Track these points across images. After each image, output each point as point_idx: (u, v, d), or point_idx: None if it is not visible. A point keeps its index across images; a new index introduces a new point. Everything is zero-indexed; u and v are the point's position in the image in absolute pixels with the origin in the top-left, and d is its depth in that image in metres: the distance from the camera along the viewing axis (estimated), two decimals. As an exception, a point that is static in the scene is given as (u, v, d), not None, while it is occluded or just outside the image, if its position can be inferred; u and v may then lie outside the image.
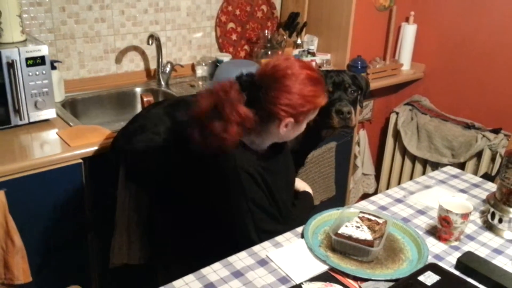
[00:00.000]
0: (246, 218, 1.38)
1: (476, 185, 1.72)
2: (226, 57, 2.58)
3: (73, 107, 2.18)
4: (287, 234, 1.39)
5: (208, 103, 1.36)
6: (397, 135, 2.98)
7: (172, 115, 1.60)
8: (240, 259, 1.27)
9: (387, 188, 2.82)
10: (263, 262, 1.26)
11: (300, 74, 1.33)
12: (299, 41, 2.75)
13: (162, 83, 2.43)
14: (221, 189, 1.39)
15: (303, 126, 1.43)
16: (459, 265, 1.25)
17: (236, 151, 1.36)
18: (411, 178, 2.95)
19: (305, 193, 1.66)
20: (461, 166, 2.65)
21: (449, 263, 1.28)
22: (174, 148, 1.52)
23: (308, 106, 1.35)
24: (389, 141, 3.04)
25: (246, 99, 1.34)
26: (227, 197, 1.38)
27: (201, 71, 2.49)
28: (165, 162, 1.53)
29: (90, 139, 1.76)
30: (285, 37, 2.72)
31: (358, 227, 1.32)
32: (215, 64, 2.55)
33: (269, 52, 2.66)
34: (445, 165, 2.37)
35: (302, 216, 1.47)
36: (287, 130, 1.39)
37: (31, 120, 1.84)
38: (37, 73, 1.79)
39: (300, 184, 1.70)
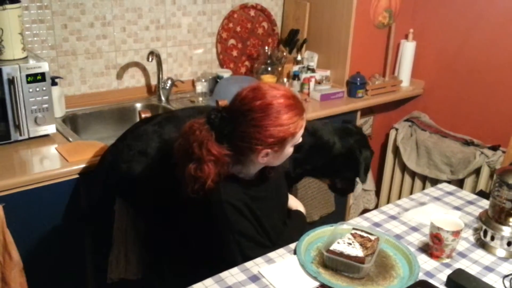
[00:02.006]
0: (232, 249, 1.38)
1: (471, 202, 1.72)
2: (226, 73, 2.61)
3: (74, 123, 2.21)
4: (280, 250, 1.40)
5: (179, 146, 1.35)
6: (396, 151, 2.99)
7: (159, 133, 1.59)
8: (232, 275, 1.28)
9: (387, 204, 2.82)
10: (254, 278, 1.27)
11: (270, 104, 1.27)
12: (299, 57, 2.78)
13: (163, 98, 2.46)
14: (208, 221, 1.39)
15: (288, 151, 1.37)
16: (449, 282, 1.25)
17: (222, 184, 1.34)
18: (411, 194, 2.94)
19: (297, 212, 1.66)
20: (460, 182, 2.65)
21: (439, 280, 1.28)
22: (161, 169, 1.51)
23: (282, 136, 1.30)
24: (389, 157, 3.05)
25: (216, 136, 1.31)
26: (215, 229, 1.39)
27: (201, 87, 2.52)
28: (151, 183, 1.53)
29: (88, 154, 1.78)
30: (285, 53, 2.75)
31: (350, 244, 1.33)
32: (216, 80, 2.58)
33: (269, 68, 2.69)
34: (444, 181, 2.37)
35: (294, 235, 1.46)
36: (268, 159, 1.36)
37: (31, 136, 1.86)
38: (38, 89, 1.82)
39: (293, 202, 1.69)
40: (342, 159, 1.76)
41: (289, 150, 1.37)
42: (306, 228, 1.49)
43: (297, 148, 1.42)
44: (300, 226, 1.59)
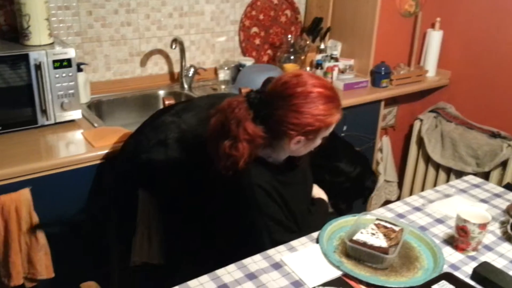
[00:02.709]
0: (261, 233, 1.38)
1: (497, 195, 1.69)
2: (249, 61, 2.60)
3: (98, 109, 2.24)
4: (302, 239, 1.39)
5: (216, 122, 1.35)
6: (420, 143, 2.95)
7: (178, 123, 1.59)
8: (255, 261, 1.29)
9: (410, 196, 2.79)
10: (277, 266, 1.27)
11: (311, 92, 1.29)
12: (322, 46, 2.75)
13: (185, 86, 2.47)
14: (236, 205, 1.40)
15: (317, 141, 1.39)
16: (475, 275, 1.23)
17: (251, 167, 1.35)
18: (434, 186, 2.90)
19: (320, 200, 1.66)
20: (486, 175, 2.60)
21: (465, 273, 1.26)
22: (180, 159, 1.52)
23: (318, 125, 1.32)
24: (413, 148, 3.01)
25: (254, 116, 1.32)
26: (244, 213, 1.39)
27: (223, 75, 2.52)
28: (171, 173, 1.54)
29: (113, 140, 1.80)
30: (308, 42, 2.72)
31: (374, 234, 1.32)
32: (238, 68, 2.57)
33: (292, 57, 2.67)
34: (469, 174, 2.33)
35: (317, 223, 1.46)
36: (299, 147, 1.37)
37: (57, 121, 1.89)
38: (64, 75, 1.84)
39: (315, 191, 1.69)
40: (350, 183, 1.79)
41: (318, 141, 1.39)
42: (328, 217, 1.49)
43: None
44: (323, 214, 1.59)
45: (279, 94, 1.32)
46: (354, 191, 1.73)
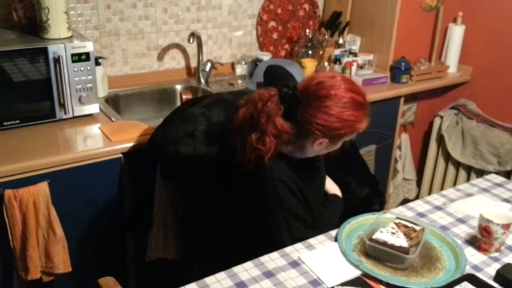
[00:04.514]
0: (281, 228, 1.37)
1: (521, 195, 1.64)
2: (266, 56, 2.57)
3: (116, 103, 2.24)
4: (320, 237, 1.37)
5: (245, 113, 1.34)
6: (440, 140, 2.89)
7: (208, 115, 1.58)
8: (272, 259, 1.27)
9: (429, 195, 2.74)
10: (295, 264, 1.26)
11: (344, 96, 1.29)
12: (341, 41, 2.71)
13: (202, 81, 2.46)
14: (257, 200, 1.39)
15: (338, 145, 1.39)
16: (498, 277, 1.20)
17: (273, 162, 1.34)
18: (454, 184, 2.85)
19: (335, 196, 1.64)
20: (508, 174, 2.54)
21: (488, 275, 1.23)
22: (208, 152, 1.52)
23: (346, 130, 1.31)
24: (432, 145, 2.95)
25: (284, 112, 1.31)
26: (264, 208, 1.38)
27: (240, 69, 2.50)
28: (198, 165, 1.53)
29: (130, 134, 1.80)
30: (326, 36, 2.69)
31: (394, 233, 1.29)
32: (255, 63, 2.55)
33: (310, 52, 2.63)
34: (490, 172, 2.28)
35: (332, 218, 1.45)
36: (321, 148, 1.37)
37: (75, 115, 1.89)
38: (82, 68, 1.84)
39: (330, 186, 1.67)
40: (357, 202, 1.78)
41: (338, 145, 1.39)
42: (341, 213, 1.49)
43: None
44: (337, 210, 1.58)
45: (312, 93, 1.30)
46: (360, 209, 1.72)
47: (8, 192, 1.54)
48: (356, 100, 1.31)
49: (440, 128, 2.87)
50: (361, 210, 1.48)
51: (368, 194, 1.81)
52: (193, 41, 2.37)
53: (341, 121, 1.29)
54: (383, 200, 1.90)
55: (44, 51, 1.76)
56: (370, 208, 1.80)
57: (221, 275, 1.20)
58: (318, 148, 1.36)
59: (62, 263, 1.69)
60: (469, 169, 2.77)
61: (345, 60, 2.60)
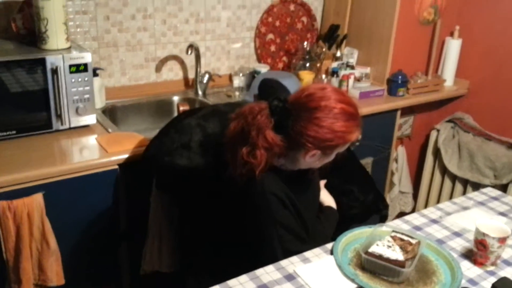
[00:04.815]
0: (274, 242, 1.36)
1: (517, 209, 1.64)
2: (264, 68, 2.59)
3: (113, 114, 2.24)
4: (316, 250, 1.37)
5: (236, 127, 1.34)
6: (437, 153, 2.90)
7: (203, 126, 1.57)
8: (267, 272, 1.26)
9: (425, 208, 2.74)
10: (290, 277, 1.25)
11: (334, 107, 1.28)
12: (338, 53, 2.73)
13: (200, 92, 2.46)
14: (249, 213, 1.38)
15: (331, 157, 1.39)
16: (495, 291, 1.19)
17: (264, 175, 1.33)
18: (450, 198, 2.85)
19: (330, 208, 1.63)
20: (504, 187, 2.54)
21: (484, 289, 1.22)
22: (202, 163, 1.51)
23: (337, 141, 1.31)
24: (429, 159, 2.96)
25: (274, 124, 1.30)
26: (256, 221, 1.37)
27: (238, 81, 2.51)
28: (193, 177, 1.52)
29: (126, 145, 1.79)
30: (324, 49, 2.70)
31: (390, 247, 1.29)
32: (253, 75, 2.55)
33: (307, 64, 2.65)
34: (486, 186, 2.28)
35: (326, 231, 1.44)
36: (313, 160, 1.36)
37: (72, 125, 1.89)
38: (80, 79, 1.84)
39: (325, 198, 1.66)
40: (361, 211, 1.78)
41: (332, 156, 1.38)
42: (336, 225, 1.48)
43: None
44: (332, 222, 1.57)
45: (303, 106, 1.30)
46: (366, 215, 1.71)
47: (2, 204, 1.53)
48: (347, 111, 1.30)
49: (436, 141, 2.87)
50: (368, 215, 1.48)
51: (374, 200, 1.79)
52: (191, 52, 2.38)
53: (332, 132, 1.28)
54: (387, 204, 1.88)
55: (42, 61, 1.77)
56: (380, 213, 1.78)
57: (215, 288, 1.20)
58: (311, 160, 1.35)
59: (56, 276, 1.68)
60: (465, 182, 2.77)
61: (342, 72, 2.61)
